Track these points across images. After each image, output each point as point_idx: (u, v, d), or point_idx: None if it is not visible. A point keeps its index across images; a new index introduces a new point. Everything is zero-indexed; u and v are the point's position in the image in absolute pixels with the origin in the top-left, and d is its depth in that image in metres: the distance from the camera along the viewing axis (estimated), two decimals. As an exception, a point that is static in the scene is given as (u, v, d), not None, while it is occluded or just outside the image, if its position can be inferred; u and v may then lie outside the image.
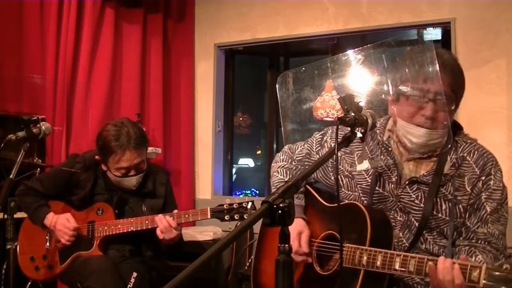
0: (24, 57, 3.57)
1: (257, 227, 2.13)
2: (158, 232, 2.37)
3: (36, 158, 3.23)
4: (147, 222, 2.42)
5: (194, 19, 4.41)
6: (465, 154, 1.72)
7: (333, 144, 1.90)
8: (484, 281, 1.39)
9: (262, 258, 2.04)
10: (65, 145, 3.60)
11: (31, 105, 3.58)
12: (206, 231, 3.59)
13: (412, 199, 1.74)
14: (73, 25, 3.64)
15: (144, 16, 4.07)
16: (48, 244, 2.55)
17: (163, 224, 2.35)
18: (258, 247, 2.07)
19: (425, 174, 1.73)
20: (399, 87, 1.69)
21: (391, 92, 1.67)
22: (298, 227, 1.83)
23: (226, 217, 2.35)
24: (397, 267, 1.57)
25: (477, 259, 1.64)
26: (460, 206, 1.70)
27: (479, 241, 1.69)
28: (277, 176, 2.04)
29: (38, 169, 3.11)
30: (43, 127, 2.41)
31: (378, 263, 1.60)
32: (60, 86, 3.62)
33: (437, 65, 1.60)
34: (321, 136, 1.98)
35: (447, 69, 1.65)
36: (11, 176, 2.22)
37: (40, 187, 2.57)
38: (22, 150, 2.29)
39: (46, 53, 3.64)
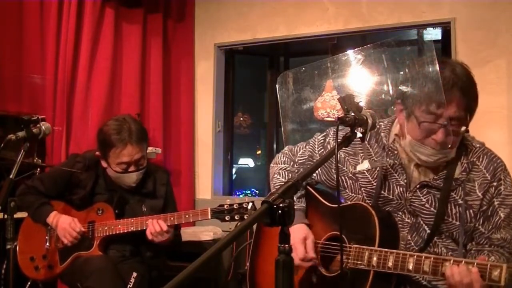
0: (24, 57, 3.57)
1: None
2: (147, 233, 2.37)
3: (36, 158, 3.23)
4: (147, 222, 2.42)
5: (194, 19, 4.41)
6: (474, 159, 1.72)
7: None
8: (505, 280, 1.39)
9: (258, 260, 2.03)
10: (65, 145, 3.60)
11: (31, 105, 3.57)
12: (206, 231, 3.59)
13: (423, 203, 1.73)
14: (73, 25, 3.64)
15: (144, 16, 4.07)
16: (48, 244, 2.55)
17: (154, 228, 2.35)
18: (253, 249, 2.06)
19: (435, 178, 1.72)
20: (412, 108, 1.65)
21: (391, 92, 1.67)
22: (302, 233, 1.82)
23: (227, 218, 2.35)
24: (410, 268, 1.56)
25: (490, 260, 1.63)
26: (471, 211, 1.70)
27: (492, 246, 1.69)
28: (279, 178, 2.02)
29: (38, 169, 3.11)
30: (43, 127, 2.41)
31: (390, 264, 1.59)
32: (60, 86, 3.62)
33: (437, 67, 1.59)
34: (323, 138, 1.96)
35: (466, 91, 1.62)
36: (11, 176, 2.22)
37: (41, 186, 2.57)
38: (22, 150, 2.29)
39: (46, 53, 3.64)
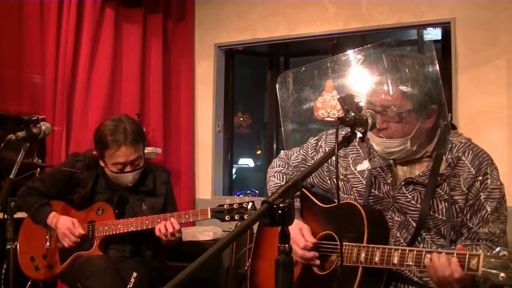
0: (24, 57, 3.57)
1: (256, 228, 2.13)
2: (157, 233, 2.36)
3: (36, 158, 3.23)
4: (147, 222, 2.42)
5: (194, 19, 4.41)
6: (460, 154, 1.72)
7: (327, 149, 1.91)
8: (483, 269, 1.41)
9: (259, 260, 2.04)
10: (65, 145, 3.60)
11: (31, 105, 3.58)
12: (206, 231, 3.59)
13: (409, 199, 1.75)
14: (73, 25, 3.64)
15: (144, 16, 4.07)
16: (48, 243, 2.55)
17: (166, 229, 2.35)
18: (254, 248, 2.07)
19: (420, 174, 1.74)
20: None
21: (391, 92, 1.68)
22: (297, 226, 1.84)
23: (227, 218, 2.35)
24: (395, 262, 1.58)
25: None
26: (457, 206, 1.71)
27: (481, 240, 1.70)
28: (274, 180, 2.06)
29: (38, 169, 3.12)
30: (43, 127, 2.41)
31: (377, 259, 1.61)
32: (60, 86, 3.62)
33: (437, 67, 1.61)
34: (315, 142, 2.00)
35: (405, 81, 1.63)
36: (11, 176, 2.22)
37: (41, 186, 2.56)
38: (22, 150, 2.29)
39: (46, 53, 3.64)
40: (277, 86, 2.02)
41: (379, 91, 1.66)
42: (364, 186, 1.83)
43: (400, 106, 1.64)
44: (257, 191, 5.45)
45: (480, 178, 1.69)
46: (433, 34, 3.85)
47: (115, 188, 2.57)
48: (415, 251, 1.56)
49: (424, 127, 1.68)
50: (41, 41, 3.64)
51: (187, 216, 2.40)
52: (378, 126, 1.64)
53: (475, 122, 3.35)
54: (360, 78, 1.80)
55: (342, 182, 1.89)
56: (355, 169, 1.86)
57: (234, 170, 5.33)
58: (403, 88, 1.64)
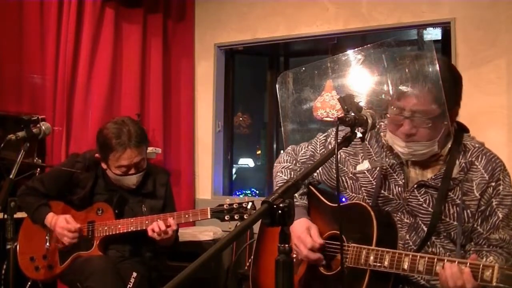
0: (24, 57, 3.57)
1: (257, 227, 2.13)
2: (150, 234, 2.37)
3: (36, 158, 3.23)
4: (147, 222, 2.42)
5: (194, 19, 4.41)
6: (473, 159, 1.71)
7: None
8: (497, 281, 1.40)
9: (261, 259, 2.03)
10: (65, 145, 3.61)
11: (31, 105, 3.58)
12: (206, 231, 3.59)
13: (420, 202, 1.73)
14: (73, 25, 3.65)
15: (144, 16, 4.07)
16: (48, 244, 2.55)
17: (159, 227, 2.35)
18: (257, 248, 2.06)
19: (433, 177, 1.72)
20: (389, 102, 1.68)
21: (391, 92, 1.67)
22: (305, 225, 1.82)
23: (226, 217, 2.35)
24: (405, 267, 1.56)
25: (488, 260, 1.64)
26: (468, 211, 1.69)
27: (491, 247, 1.69)
28: (281, 176, 2.02)
29: (38, 169, 3.12)
30: (43, 127, 2.41)
31: (386, 263, 1.60)
32: (60, 86, 3.62)
33: (437, 67, 1.59)
34: (324, 138, 1.97)
35: (432, 85, 1.60)
36: (11, 176, 2.22)
37: (41, 187, 2.57)
38: (22, 150, 2.29)
39: (46, 53, 3.65)
40: (277, 86, 2.01)
41: (409, 95, 1.62)
42: (373, 186, 1.80)
43: (429, 111, 1.60)
44: (257, 191, 5.45)
45: (493, 184, 1.68)
46: (433, 34, 3.85)
47: (114, 189, 2.57)
48: (426, 258, 1.54)
49: (446, 129, 1.66)
50: (41, 41, 3.64)
51: (187, 216, 2.40)
52: (404, 132, 1.62)
53: (475, 122, 3.35)
54: (360, 78, 1.80)
55: (351, 181, 1.87)
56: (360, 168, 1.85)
57: (234, 170, 5.32)
58: (431, 92, 1.59)
